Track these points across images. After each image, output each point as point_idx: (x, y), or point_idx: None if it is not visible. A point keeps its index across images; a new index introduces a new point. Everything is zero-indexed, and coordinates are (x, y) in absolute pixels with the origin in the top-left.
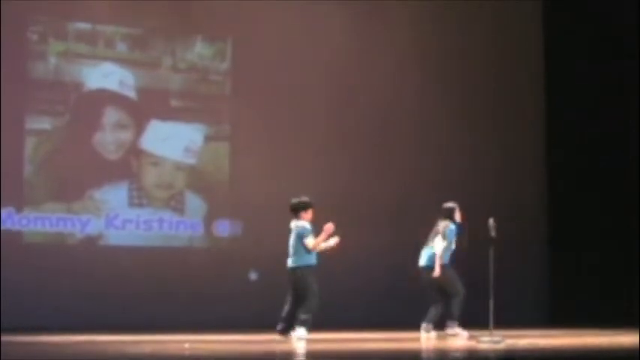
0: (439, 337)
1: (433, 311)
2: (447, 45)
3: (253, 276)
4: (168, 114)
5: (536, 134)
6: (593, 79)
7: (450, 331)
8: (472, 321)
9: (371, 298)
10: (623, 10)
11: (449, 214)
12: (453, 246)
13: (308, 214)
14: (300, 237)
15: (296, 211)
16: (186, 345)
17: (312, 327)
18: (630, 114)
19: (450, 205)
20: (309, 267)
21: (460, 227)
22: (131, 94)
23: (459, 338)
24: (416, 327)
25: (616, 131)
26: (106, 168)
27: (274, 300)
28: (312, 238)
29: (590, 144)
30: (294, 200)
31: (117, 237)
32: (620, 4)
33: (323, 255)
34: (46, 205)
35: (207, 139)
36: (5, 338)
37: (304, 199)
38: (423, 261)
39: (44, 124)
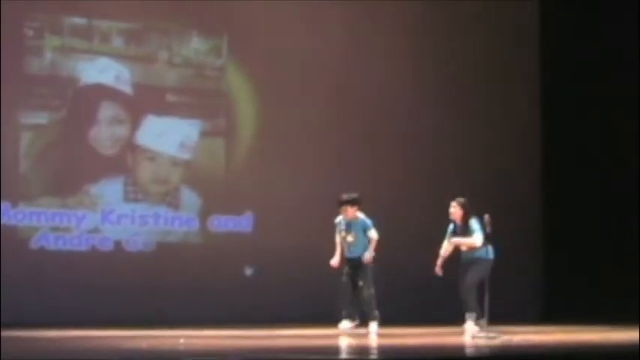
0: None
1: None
2: (441, 44)
3: (249, 271)
4: (164, 109)
5: (532, 130)
6: (590, 72)
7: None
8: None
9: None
10: (620, 9)
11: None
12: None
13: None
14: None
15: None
16: (182, 340)
17: (310, 322)
18: (627, 109)
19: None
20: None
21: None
22: (127, 89)
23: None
24: (414, 323)
25: (612, 127)
26: (101, 163)
27: (269, 295)
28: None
29: (585, 139)
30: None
31: (112, 232)
32: (618, 4)
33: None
34: (41, 199)
35: (203, 134)
36: None
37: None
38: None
39: (40, 119)
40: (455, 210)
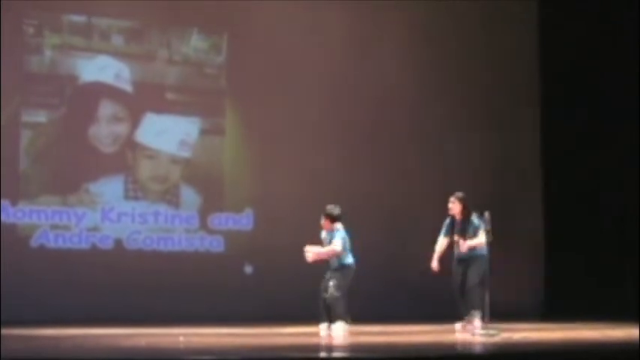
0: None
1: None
2: (442, 43)
3: (248, 269)
4: (164, 107)
5: (533, 131)
6: (590, 70)
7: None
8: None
9: (365, 293)
10: (617, 6)
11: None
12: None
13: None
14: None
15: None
16: (181, 338)
17: (310, 320)
18: (627, 108)
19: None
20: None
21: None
22: (127, 87)
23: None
24: (409, 320)
25: (612, 127)
26: (101, 161)
27: (269, 293)
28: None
29: (586, 138)
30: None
31: (112, 230)
32: (616, 2)
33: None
34: (41, 198)
35: (203, 132)
36: None
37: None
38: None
39: (40, 117)
40: (454, 205)
